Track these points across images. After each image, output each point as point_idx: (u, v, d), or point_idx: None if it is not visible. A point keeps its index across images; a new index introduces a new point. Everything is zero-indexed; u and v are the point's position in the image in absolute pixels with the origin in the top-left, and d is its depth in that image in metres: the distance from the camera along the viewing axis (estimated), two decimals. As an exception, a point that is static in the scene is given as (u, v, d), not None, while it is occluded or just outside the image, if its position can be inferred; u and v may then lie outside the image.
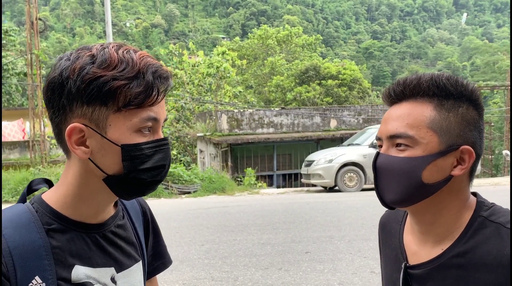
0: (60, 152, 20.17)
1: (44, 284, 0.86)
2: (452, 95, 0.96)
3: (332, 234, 6.47)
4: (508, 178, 15.84)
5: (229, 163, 17.51)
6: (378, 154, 1.01)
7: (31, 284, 0.85)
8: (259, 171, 17.27)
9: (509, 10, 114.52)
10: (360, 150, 11.97)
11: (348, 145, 12.99)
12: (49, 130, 21.79)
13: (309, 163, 12.48)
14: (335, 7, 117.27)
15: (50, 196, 0.94)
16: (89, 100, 0.85)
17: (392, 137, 0.98)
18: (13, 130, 22.46)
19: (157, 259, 1.16)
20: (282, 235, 6.59)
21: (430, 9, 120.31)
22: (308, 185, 13.54)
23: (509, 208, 0.99)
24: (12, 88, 26.97)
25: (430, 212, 1.00)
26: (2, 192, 10.91)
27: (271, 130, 18.55)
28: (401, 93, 1.00)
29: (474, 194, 1.03)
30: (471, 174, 0.99)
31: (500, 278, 0.91)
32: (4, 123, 20.78)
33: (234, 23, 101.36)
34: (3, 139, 18.61)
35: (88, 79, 0.84)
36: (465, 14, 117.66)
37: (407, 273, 1.04)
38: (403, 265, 1.05)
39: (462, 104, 0.96)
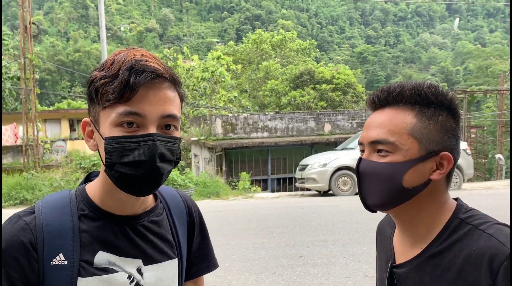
0: (53, 156, 20.08)
1: (66, 262, 0.93)
2: (433, 104, 1.00)
3: (326, 238, 6.47)
4: (501, 182, 15.93)
5: (224, 168, 17.49)
6: (360, 159, 1.05)
7: (54, 259, 0.93)
8: (253, 175, 17.25)
9: (501, 15, 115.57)
10: (354, 154, 11.97)
11: (342, 149, 13.01)
12: (42, 134, 21.68)
13: (303, 167, 12.49)
14: (329, 12, 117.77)
15: (89, 186, 1.04)
16: (89, 99, 0.97)
17: (373, 143, 1.02)
18: (6, 134, 22.34)
19: (202, 261, 1.18)
20: (276, 239, 6.58)
21: (424, 14, 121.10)
22: (302, 189, 13.54)
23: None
24: (5, 92, 26.83)
25: (409, 214, 1.04)
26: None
27: (265, 134, 18.56)
28: (385, 99, 1.03)
29: (456, 199, 1.07)
30: (448, 178, 1.04)
31: (466, 276, 0.93)
32: (-3, 127, 20.64)
33: (229, 28, 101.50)
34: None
35: (89, 81, 0.96)
36: (457, 19, 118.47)
37: (392, 272, 1.08)
38: (389, 265, 1.10)
39: (442, 113, 1.01)
